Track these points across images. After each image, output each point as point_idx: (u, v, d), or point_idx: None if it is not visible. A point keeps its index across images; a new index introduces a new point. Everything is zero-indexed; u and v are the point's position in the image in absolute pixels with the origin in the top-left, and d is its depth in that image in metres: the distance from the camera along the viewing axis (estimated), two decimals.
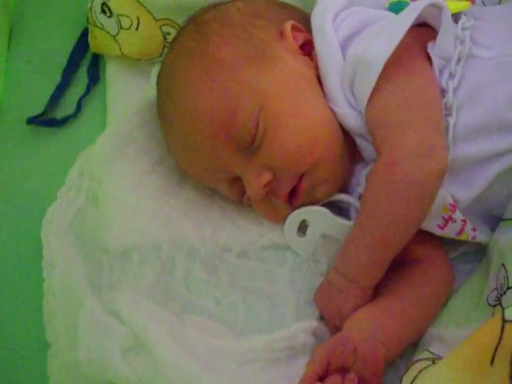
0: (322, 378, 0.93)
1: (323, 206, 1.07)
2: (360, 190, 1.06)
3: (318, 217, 1.06)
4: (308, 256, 1.07)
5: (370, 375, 0.94)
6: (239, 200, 1.10)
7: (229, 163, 1.04)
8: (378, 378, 0.94)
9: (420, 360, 0.94)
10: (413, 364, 0.94)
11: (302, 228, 1.07)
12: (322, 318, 1.03)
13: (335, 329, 1.00)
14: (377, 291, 1.02)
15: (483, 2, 1.19)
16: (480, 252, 1.07)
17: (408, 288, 1.02)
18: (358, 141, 1.05)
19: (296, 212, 1.07)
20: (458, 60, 1.02)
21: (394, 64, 0.98)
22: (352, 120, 1.03)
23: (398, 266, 1.04)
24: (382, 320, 0.98)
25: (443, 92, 1.01)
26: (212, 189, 1.12)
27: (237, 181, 1.07)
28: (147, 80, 1.29)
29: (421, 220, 0.98)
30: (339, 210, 1.09)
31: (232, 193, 1.09)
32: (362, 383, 0.93)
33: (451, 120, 0.99)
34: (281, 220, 1.08)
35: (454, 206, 1.01)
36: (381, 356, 0.95)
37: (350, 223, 1.03)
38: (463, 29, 1.04)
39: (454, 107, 1.00)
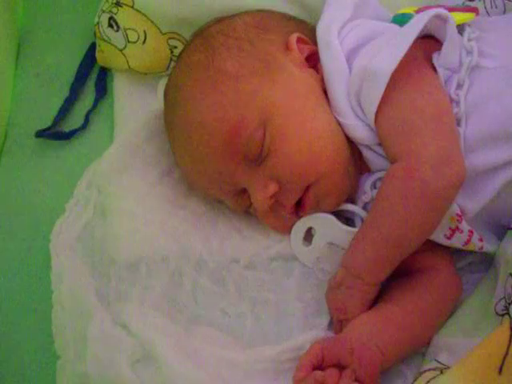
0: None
1: None
2: (365, 198, 1.07)
3: (324, 224, 1.06)
4: (313, 265, 1.07)
5: (364, 377, 0.94)
6: (245, 211, 1.10)
7: (235, 175, 1.05)
8: (372, 381, 0.95)
9: (428, 370, 0.94)
10: (421, 374, 0.95)
11: (309, 238, 1.08)
12: (329, 328, 1.03)
13: (340, 325, 1.01)
14: (381, 298, 1.02)
15: (487, 13, 1.19)
16: (487, 261, 1.07)
17: (412, 296, 1.02)
18: (365, 152, 1.05)
19: (303, 219, 1.07)
20: (466, 70, 1.02)
21: (402, 74, 0.99)
22: (359, 131, 1.03)
23: (405, 274, 1.05)
24: (382, 326, 0.98)
25: (451, 102, 1.01)
26: (218, 200, 1.12)
27: (243, 192, 1.07)
28: (154, 93, 1.30)
29: (433, 227, 0.98)
30: (345, 220, 1.09)
31: (238, 204, 1.09)
32: (358, 383, 0.93)
33: (461, 130, 1.00)
34: (287, 231, 1.09)
35: (460, 217, 1.01)
36: (377, 360, 0.96)
37: (356, 230, 1.03)
38: (469, 40, 1.05)
39: (464, 117, 1.00)
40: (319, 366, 0.95)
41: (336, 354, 0.95)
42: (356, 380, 0.93)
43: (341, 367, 0.95)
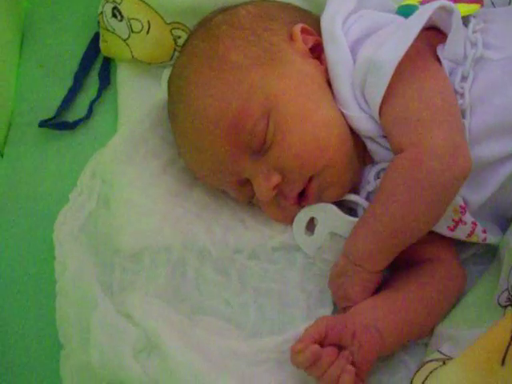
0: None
1: None
2: (368, 188, 1.07)
3: (326, 214, 1.06)
4: (314, 255, 1.07)
5: (361, 361, 0.95)
6: (248, 202, 1.11)
7: (238, 165, 1.05)
8: (368, 366, 0.96)
9: (431, 361, 0.95)
10: (423, 364, 0.95)
11: (311, 227, 1.08)
12: None
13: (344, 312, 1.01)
14: (386, 287, 1.03)
15: (493, 4, 1.19)
16: (491, 253, 1.07)
17: (415, 286, 1.03)
18: (369, 144, 1.05)
19: (305, 209, 1.07)
20: (470, 62, 1.02)
21: (407, 66, 0.98)
22: (362, 123, 1.03)
23: (409, 265, 1.05)
24: (384, 312, 0.99)
25: (456, 95, 1.01)
26: (222, 191, 1.12)
27: (246, 183, 1.07)
28: (158, 84, 1.30)
29: (436, 218, 0.99)
30: (348, 210, 1.09)
31: (241, 195, 1.09)
32: (353, 366, 0.94)
33: (466, 122, 1.00)
34: (289, 221, 1.09)
35: (463, 209, 1.01)
36: (376, 345, 0.96)
37: None
38: (474, 31, 1.05)
39: (468, 109, 1.00)
40: (320, 343, 0.95)
41: (338, 333, 0.96)
42: (352, 363, 0.94)
43: (340, 348, 0.96)
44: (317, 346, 0.93)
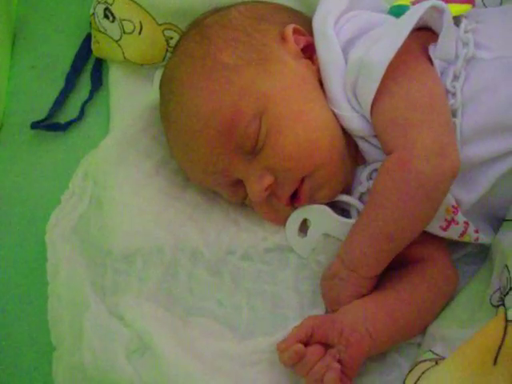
0: (305, 345, 0.95)
1: None
2: (361, 189, 1.07)
3: (319, 215, 1.06)
4: (308, 256, 1.07)
5: (349, 360, 0.95)
6: (241, 202, 1.10)
7: (230, 166, 1.05)
8: (356, 364, 0.96)
9: (423, 361, 0.95)
10: (416, 365, 0.95)
11: (304, 229, 1.08)
12: None
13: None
14: (378, 287, 1.03)
15: (484, 4, 1.19)
16: (483, 253, 1.08)
17: (407, 285, 1.03)
18: (361, 144, 1.06)
19: (298, 210, 1.07)
20: (462, 62, 1.02)
21: (398, 65, 0.99)
22: (354, 123, 1.03)
23: (401, 265, 1.05)
24: (374, 312, 0.99)
25: (447, 94, 1.01)
26: (214, 191, 1.12)
27: (238, 184, 1.07)
28: (150, 84, 1.30)
29: (428, 219, 0.99)
30: (341, 211, 1.09)
31: (234, 196, 1.09)
32: (341, 365, 0.94)
33: (457, 121, 1.00)
34: (282, 222, 1.09)
35: (456, 208, 1.01)
36: (364, 344, 0.96)
37: (352, 221, 1.03)
38: (465, 31, 1.05)
39: (460, 109, 1.00)
40: (307, 342, 0.96)
41: (325, 332, 0.96)
42: (339, 361, 0.94)
43: (328, 346, 0.96)
44: (299, 345, 0.94)
